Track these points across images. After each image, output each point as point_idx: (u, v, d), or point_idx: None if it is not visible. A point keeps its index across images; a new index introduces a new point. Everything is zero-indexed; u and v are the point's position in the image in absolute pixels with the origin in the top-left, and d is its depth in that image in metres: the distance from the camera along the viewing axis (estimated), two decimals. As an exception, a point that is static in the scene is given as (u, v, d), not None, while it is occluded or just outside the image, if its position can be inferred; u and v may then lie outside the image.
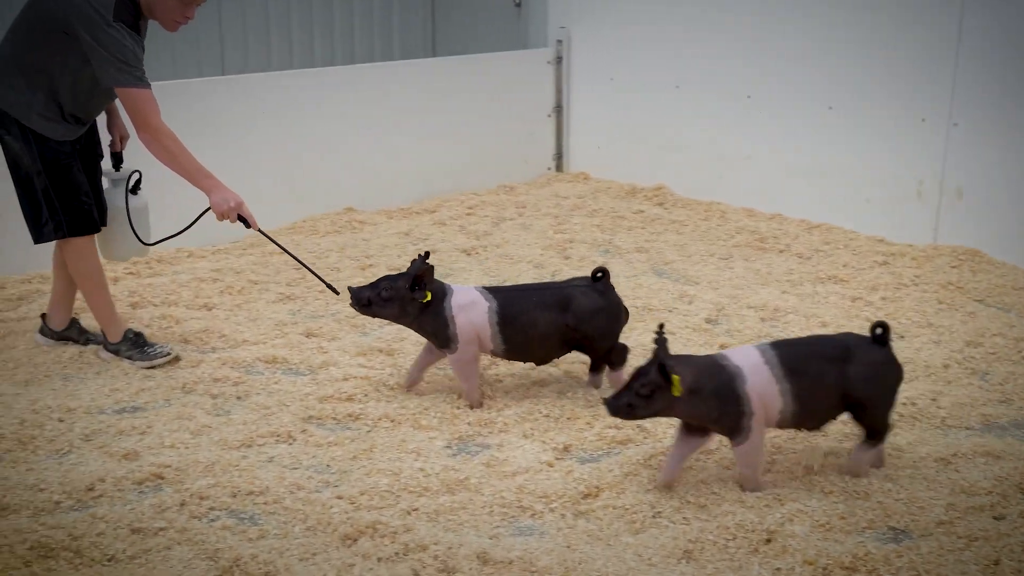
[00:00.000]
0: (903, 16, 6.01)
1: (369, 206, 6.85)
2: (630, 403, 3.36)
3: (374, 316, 4.12)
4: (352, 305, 4.10)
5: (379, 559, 3.15)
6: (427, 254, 4.09)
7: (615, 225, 6.57)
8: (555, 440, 3.90)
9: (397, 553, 3.18)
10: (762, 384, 3.40)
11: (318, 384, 4.33)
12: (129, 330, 4.60)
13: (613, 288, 4.21)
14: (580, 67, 7.85)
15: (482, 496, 3.51)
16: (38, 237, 4.40)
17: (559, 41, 7.85)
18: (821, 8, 6.42)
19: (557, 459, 3.77)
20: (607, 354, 4.24)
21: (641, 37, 7.40)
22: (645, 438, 3.91)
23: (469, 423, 4.02)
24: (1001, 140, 5.71)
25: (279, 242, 4.54)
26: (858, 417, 3.52)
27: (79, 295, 4.72)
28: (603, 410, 4.11)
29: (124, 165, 4.63)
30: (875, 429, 3.54)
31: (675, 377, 3.31)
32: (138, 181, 4.60)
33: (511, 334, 4.11)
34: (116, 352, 4.58)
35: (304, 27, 8.24)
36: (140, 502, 3.42)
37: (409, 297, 4.04)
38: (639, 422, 3.99)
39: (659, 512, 3.40)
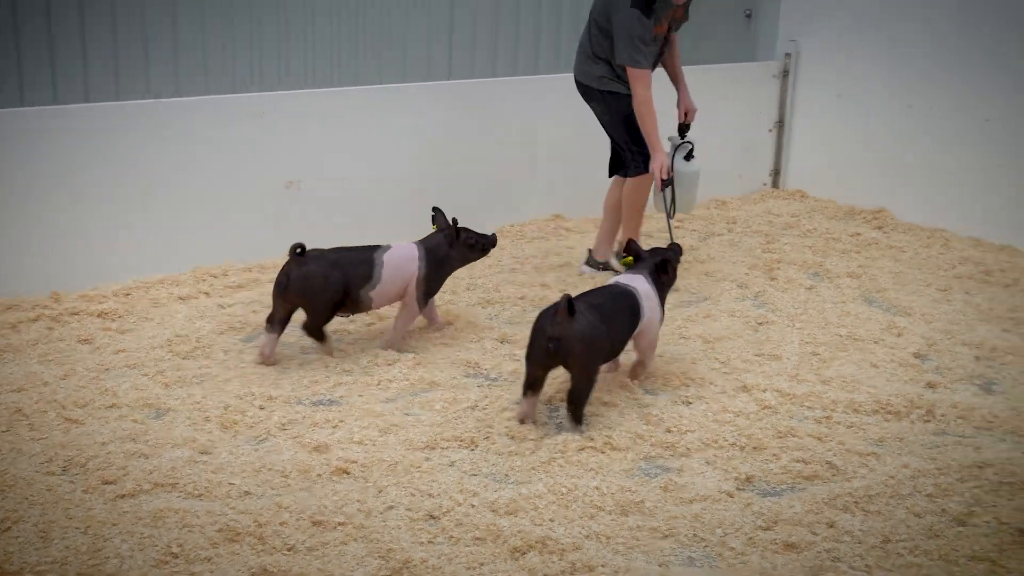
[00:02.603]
0: None
1: (576, 213, 6.85)
2: None
3: None
4: None
5: (545, 575, 3.16)
6: None
7: (828, 247, 6.33)
8: (738, 470, 3.79)
9: (563, 571, 3.18)
10: None
11: (506, 391, 4.37)
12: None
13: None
14: (807, 81, 7.59)
15: (655, 521, 3.45)
16: (623, 173, 5.73)
17: (787, 54, 7.63)
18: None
19: (738, 489, 3.68)
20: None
21: (874, 53, 7.09)
22: (833, 475, 3.76)
23: (652, 444, 3.97)
24: None
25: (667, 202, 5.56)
26: None
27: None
28: (792, 441, 3.97)
29: (690, 135, 5.73)
30: None
31: None
32: (690, 151, 5.59)
33: None
34: (603, 267, 5.86)
35: (527, 35, 8.31)
36: (324, 495, 3.55)
37: None
38: (830, 459, 3.83)
39: (838, 556, 3.25)
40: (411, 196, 6.12)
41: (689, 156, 5.57)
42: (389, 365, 4.61)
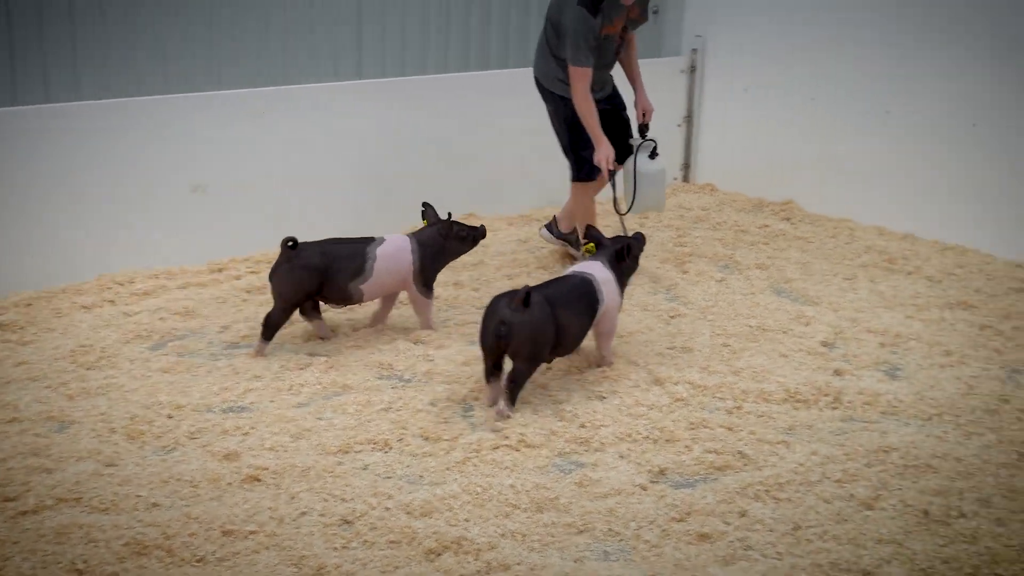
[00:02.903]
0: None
1: (490, 211, 6.85)
2: None
3: None
4: None
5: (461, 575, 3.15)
6: None
7: (737, 240, 6.41)
8: (652, 462, 3.82)
9: (479, 571, 3.17)
10: None
11: (420, 392, 4.34)
12: (575, 232, 5.94)
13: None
14: (714, 76, 7.68)
15: (570, 517, 3.46)
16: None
17: (694, 50, 7.71)
18: (965, 24, 6.14)
19: (652, 482, 3.70)
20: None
21: (778, 48, 7.20)
22: (745, 465, 3.80)
23: (567, 440, 3.98)
24: None
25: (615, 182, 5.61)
26: None
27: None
28: (704, 432, 4.01)
29: (651, 134, 5.71)
30: None
31: None
32: (654, 149, 5.58)
33: None
34: (559, 237, 5.99)
35: (440, 30, 8.28)
36: (234, 504, 3.48)
37: None
38: (741, 449, 3.88)
39: (750, 545, 3.30)
40: (368, 191, 6.32)
41: (653, 154, 5.62)
42: (301, 369, 4.55)
